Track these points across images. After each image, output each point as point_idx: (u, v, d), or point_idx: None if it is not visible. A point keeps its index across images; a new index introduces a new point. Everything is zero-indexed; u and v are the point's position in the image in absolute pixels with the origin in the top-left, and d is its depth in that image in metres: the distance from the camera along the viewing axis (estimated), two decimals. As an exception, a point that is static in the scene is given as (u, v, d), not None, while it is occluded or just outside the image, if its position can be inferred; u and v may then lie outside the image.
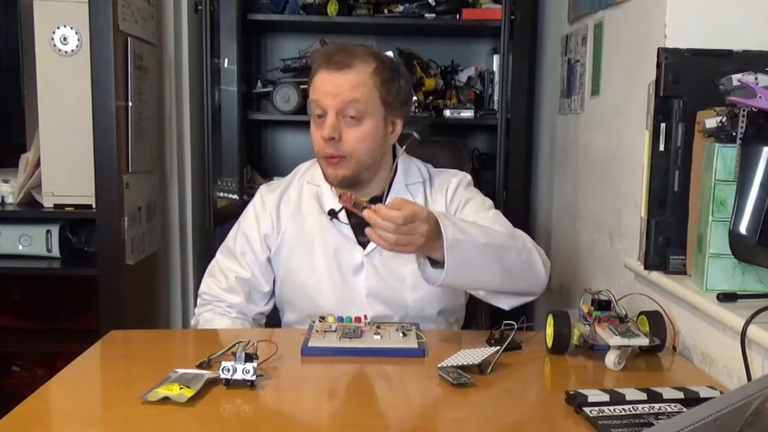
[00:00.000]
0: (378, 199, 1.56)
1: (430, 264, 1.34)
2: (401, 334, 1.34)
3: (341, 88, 1.45)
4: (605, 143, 1.90)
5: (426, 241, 1.27)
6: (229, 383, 1.12)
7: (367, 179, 1.54)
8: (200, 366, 1.18)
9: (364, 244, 1.53)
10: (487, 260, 1.35)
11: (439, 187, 1.60)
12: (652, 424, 0.98)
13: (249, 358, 1.12)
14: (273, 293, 1.62)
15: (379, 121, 1.50)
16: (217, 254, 1.64)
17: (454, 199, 1.58)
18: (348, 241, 1.54)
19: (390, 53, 2.60)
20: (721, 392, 1.08)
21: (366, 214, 1.27)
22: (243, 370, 1.11)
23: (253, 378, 1.11)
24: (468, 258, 1.31)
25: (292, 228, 1.58)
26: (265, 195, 1.62)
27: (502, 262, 1.37)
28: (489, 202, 1.61)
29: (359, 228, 1.54)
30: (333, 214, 1.55)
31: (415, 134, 1.52)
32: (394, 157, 1.60)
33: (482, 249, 1.33)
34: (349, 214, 1.55)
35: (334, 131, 1.46)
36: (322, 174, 1.54)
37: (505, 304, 1.46)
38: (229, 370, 1.11)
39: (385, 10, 2.66)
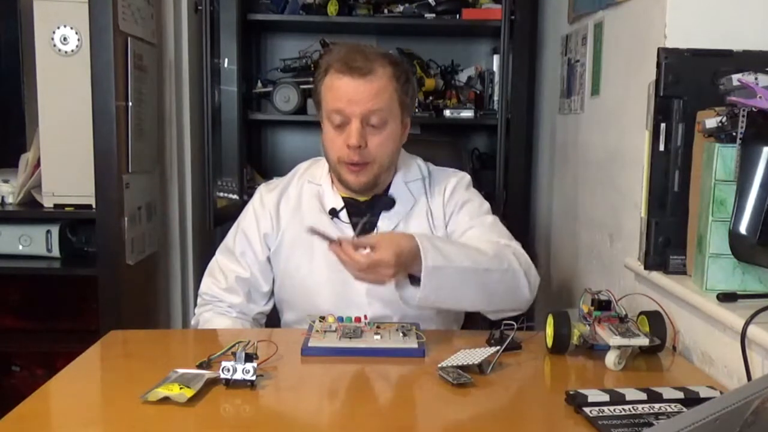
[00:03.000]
0: (379, 198, 1.56)
1: (410, 282, 1.37)
2: (401, 334, 1.34)
3: (366, 96, 1.44)
4: (605, 143, 1.90)
5: (402, 268, 1.33)
6: (229, 383, 1.12)
7: (383, 181, 1.55)
8: (200, 366, 1.18)
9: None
10: (468, 284, 1.36)
11: (438, 185, 1.60)
12: (652, 424, 0.98)
13: (249, 358, 1.12)
14: (273, 293, 1.62)
15: (398, 123, 1.50)
16: (217, 254, 1.64)
17: (452, 200, 1.58)
18: None
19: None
20: (721, 392, 1.08)
21: (332, 248, 1.32)
22: (243, 370, 1.11)
23: (253, 378, 1.11)
24: (447, 283, 1.34)
25: (292, 227, 1.57)
26: (265, 194, 1.62)
27: (484, 285, 1.38)
28: (487, 206, 1.61)
29: (361, 227, 1.54)
30: (334, 213, 1.55)
31: None
32: None
33: (463, 274, 1.35)
34: (350, 213, 1.55)
35: (362, 139, 1.45)
36: (340, 180, 1.53)
37: (491, 316, 1.47)
38: (229, 370, 1.11)
39: (385, 10, 2.67)
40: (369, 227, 1.54)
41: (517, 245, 1.51)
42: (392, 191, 1.57)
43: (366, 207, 1.56)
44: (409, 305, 1.39)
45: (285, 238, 1.57)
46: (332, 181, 1.57)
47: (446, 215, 1.57)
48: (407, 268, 1.34)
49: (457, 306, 1.43)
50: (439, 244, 1.38)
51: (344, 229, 1.54)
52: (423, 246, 1.32)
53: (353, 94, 1.44)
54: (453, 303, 1.41)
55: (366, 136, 1.45)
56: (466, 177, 1.65)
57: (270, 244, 1.58)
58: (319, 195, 1.58)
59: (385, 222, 1.55)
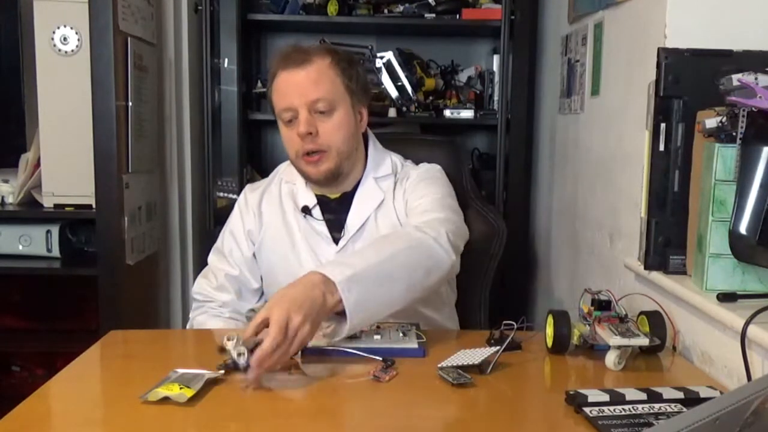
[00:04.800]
0: (349, 195, 1.58)
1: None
2: (401, 334, 1.34)
3: (306, 84, 1.47)
4: (605, 143, 1.90)
5: (307, 309, 1.16)
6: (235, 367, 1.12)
7: (347, 171, 1.56)
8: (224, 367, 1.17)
9: (337, 240, 1.55)
10: (386, 278, 1.27)
11: (401, 180, 1.62)
12: (652, 424, 0.98)
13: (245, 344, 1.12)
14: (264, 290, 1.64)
15: (348, 109, 1.52)
16: (209, 256, 1.67)
17: (409, 188, 1.59)
18: (322, 237, 1.56)
19: (390, 53, 2.61)
20: (721, 392, 1.08)
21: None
22: (237, 353, 1.11)
23: (246, 363, 1.11)
24: (368, 286, 1.23)
25: (274, 224, 1.60)
26: (249, 194, 1.66)
27: (400, 269, 1.30)
28: (441, 189, 1.56)
29: (333, 224, 1.57)
30: (306, 210, 1.56)
31: None
32: (366, 152, 1.62)
33: (376, 270, 1.25)
34: (323, 211, 1.57)
35: (311, 126, 1.47)
36: (303, 175, 1.57)
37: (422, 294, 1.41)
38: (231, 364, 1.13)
39: (385, 10, 2.66)
40: (337, 224, 1.56)
41: (446, 217, 1.45)
42: (361, 187, 1.58)
43: (336, 204, 1.58)
44: (343, 335, 1.25)
45: (267, 233, 1.60)
46: (306, 181, 1.59)
47: (406, 204, 1.57)
48: (316, 306, 1.18)
49: (390, 306, 1.31)
50: (338, 260, 1.36)
51: (316, 226, 1.56)
52: (323, 269, 1.22)
53: (294, 86, 1.47)
54: (385, 304, 1.29)
55: (315, 124, 1.48)
56: (434, 168, 1.65)
57: (254, 240, 1.61)
58: (293, 194, 1.61)
59: (354, 219, 1.56)
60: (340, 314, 1.23)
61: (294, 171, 1.62)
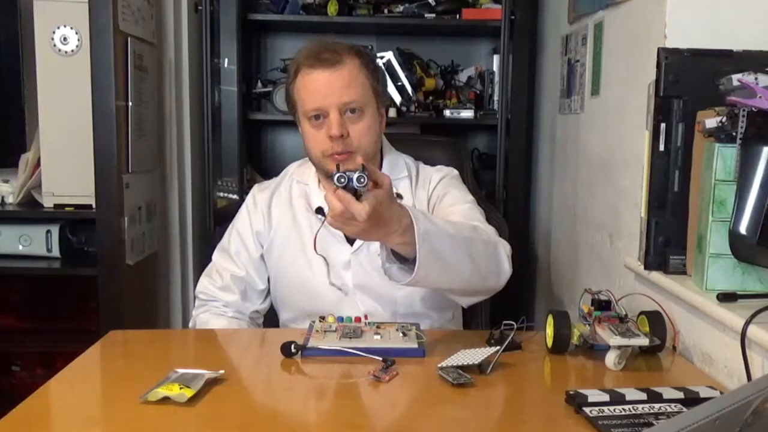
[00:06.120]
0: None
1: (398, 261, 1.30)
2: (401, 334, 1.34)
3: (339, 86, 1.45)
4: (605, 143, 1.90)
5: (375, 228, 1.21)
6: (346, 188, 1.15)
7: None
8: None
9: (351, 241, 1.54)
10: (457, 252, 1.31)
11: (422, 182, 1.61)
12: (652, 424, 0.98)
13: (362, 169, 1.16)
14: (268, 292, 1.63)
15: (375, 111, 1.51)
16: (214, 254, 1.66)
17: (434, 193, 1.59)
18: (336, 239, 1.54)
19: (390, 53, 2.61)
20: (721, 392, 1.08)
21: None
22: (357, 179, 1.14)
23: (364, 187, 1.14)
24: (438, 248, 1.27)
25: (284, 225, 1.59)
26: (257, 194, 1.64)
27: (470, 254, 1.34)
28: (470, 197, 1.60)
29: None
30: (320, 211, 1.55)
31: None
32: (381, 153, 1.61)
33: (452, 240, 1.30)
34: None
35: (343, 128, 1.44)
36: (326, 174, 1.54)
37: (465, 301, 1.46)
38: (343, 179, 1.14)
39: (385, 10, 2.67)
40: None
41: (493, 229, 1.49)
42: None
43: None
44: (398, 281, 1.30)
45: (277, 235, 1.59)
46: (318, 181, 1.58)
47: (430, 209, 1.57)
48: (383, 230, 1.22)
49: (447, 277, 1.33)
50: (425, 213, 1.36)
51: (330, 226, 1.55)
52: (413, 212, 1.25)
53: (326, 87, 1.45)
54: (444, 274, 1.32)
55: (346, 125, 1.46)
56: (453, 171, 1.65)
57: (263, 242, 1.60)
58: (306, 194, 1.59)
59: None
60: (401, 260, 1.28)
61: (306, 172, 1.61)
